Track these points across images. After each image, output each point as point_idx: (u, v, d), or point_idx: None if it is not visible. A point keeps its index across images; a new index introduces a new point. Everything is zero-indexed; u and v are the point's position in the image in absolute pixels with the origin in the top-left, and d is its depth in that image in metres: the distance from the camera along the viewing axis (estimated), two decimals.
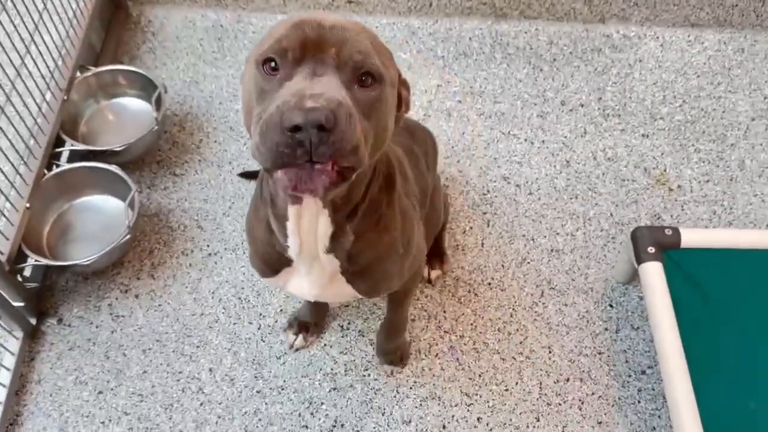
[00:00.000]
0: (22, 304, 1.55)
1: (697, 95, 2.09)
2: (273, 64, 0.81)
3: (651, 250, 1.54)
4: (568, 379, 1.59)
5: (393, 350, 1.55)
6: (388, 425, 1.51)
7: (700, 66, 2.15)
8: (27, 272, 1.59)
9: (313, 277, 1.08)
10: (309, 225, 0.98)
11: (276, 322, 1.64)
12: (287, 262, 1.08)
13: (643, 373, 1.60)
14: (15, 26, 1.61)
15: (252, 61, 0.85)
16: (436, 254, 1.70)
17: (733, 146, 1.98)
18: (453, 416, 1.53)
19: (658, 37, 2.21)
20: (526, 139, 1.98)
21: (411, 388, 1.57)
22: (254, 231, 1.12)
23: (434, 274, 1.70)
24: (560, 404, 1.55)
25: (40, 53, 1.70)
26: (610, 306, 1.69)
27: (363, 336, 1.63)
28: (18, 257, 1.55)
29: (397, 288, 1.23)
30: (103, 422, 1.51)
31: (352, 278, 1.10)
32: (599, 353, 1.62)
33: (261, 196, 1.05)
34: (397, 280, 1.19)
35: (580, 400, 1.56)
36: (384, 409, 1.53)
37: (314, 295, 1.14)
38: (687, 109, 2.06)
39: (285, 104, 0.74)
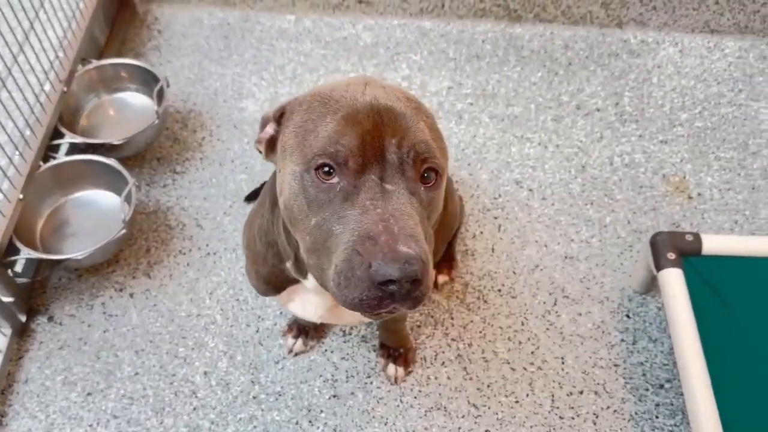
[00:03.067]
0: (11, 299, 1.49)
1: (717, 102, 2.01)
2: (327, 169, 0.76)
3: (671, 256, 1.46)
4: (581, 392, 1.50)
5: (396, 344, 1.48)
6: None
7: (720, 73, 2.08)
8: (18, 267, 1.53)
9: (322, 298, 1.02)
10: None
11: (275, 325, 1.57)
12: (294, 281, 1.02)
13: (661, 387, 1.51)
14: (15, 13, 1.56)
15: (298, 161, 0.78)
16: (446, 259, 1.63)
17: (755, 154, 1.90)
18: (459, 428, 1.44)
19: (677, 43, 2.15)
20: (539, 143, 1.91)
21: (416, 397, 1.48)
22: (258, 254, 1.05)
23: (441, 279, 1.63)
24: (573, 418, 1.46)
25: (41, 43, 1.65)
26: (627, 316, 1.61)
27: (366, 342, 1.55)
28: (9, 250, 1.48)
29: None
30: (90, 425, 1.44)
31: None
32: (615, 365, 1.54)
33: (278, 236, 0.98)
34: None
35: (594, 414, 1.47)
36: (386, 419, 1.45)
37: (319, 316, 1.09)
38: (707, 116, 1.98)
39: (371, 252, 0.69)
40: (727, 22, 2.16)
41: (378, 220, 0.71)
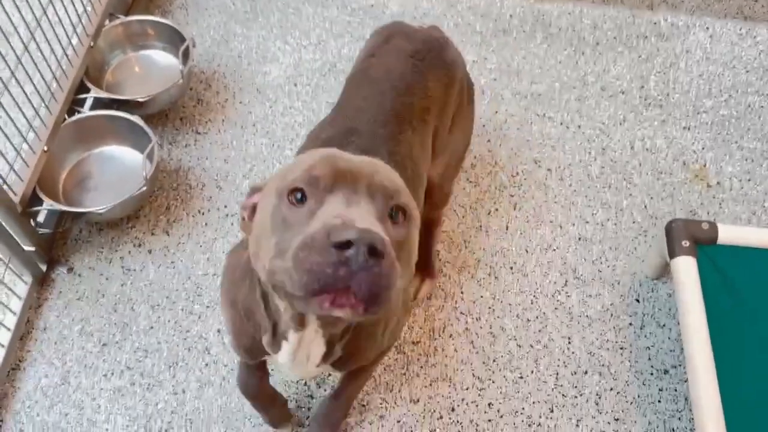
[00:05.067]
0: (33, 249, 1.52)
1: (744, 90, 1.99)
2: (299, 195, 0.76)
3: (685, 243, 1.46)
4: (586, 372, 1.52)
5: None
6: (395, 402, 1.46)
7: (750, 61, 2.05)
8: (40, 217, 1.56)
9: (295, 364, 1.02)
10: (304, 347, 0.96)
11: None
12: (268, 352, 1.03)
13: (666, 372, 1.52)
14: None
15: (273, 190, 0.79)
16: (423, 265, 1.50)
17: None
18: (463, 399, 1.47)
19: (707, 28, 2.11)
20: (561, 123, 1.90)
21: (422, 367, 1.51)
22: (235, 321, 1.06)
23: (423, 291, 1.57)
24: (576, 397, 1.49)
25: None
26: (637, 301, 1.62)
27: None
28: (32, 201, 1.52)
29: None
30: (105, 375, 1.48)
31: (335, 364, 1.06)
32: (621, 348, 1.55)
33: (257, 307, 0.98)
34: (374, 355, 1.15)
35: (597, 395, 1.49)
36: (392, 385, 1.48)
37: (294, 374, 1.20)
38: (733, 104, 1.96)
39: (331, 225, 0.69)
40: (761, 9, 2.12)
41: (344, 213, 0.71)
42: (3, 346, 1.45)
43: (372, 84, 1.23)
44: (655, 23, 2.12)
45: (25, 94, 1.50)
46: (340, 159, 0.79)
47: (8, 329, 1.48)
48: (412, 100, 1.22)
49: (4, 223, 1.42)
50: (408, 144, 1.19)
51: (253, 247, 0.81)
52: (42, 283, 1.58)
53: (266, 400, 1.35)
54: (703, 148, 1.87)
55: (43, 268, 1.58)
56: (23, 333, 1.52)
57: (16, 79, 1.46)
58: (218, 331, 1.54)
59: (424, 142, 1.25)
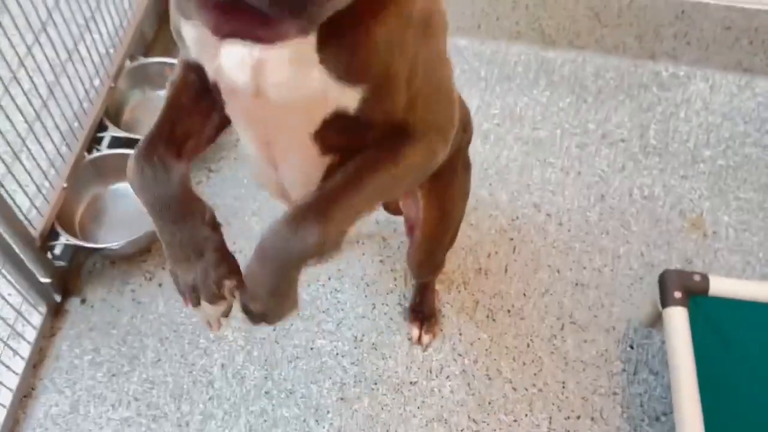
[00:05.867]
0: (49, 280, 1.59)
1: (742, 141, 2.04)
2: None
3: (677, 294, 1.51)
4: (579, 417, 1.56)
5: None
6: None
7: (748, 112, 2.11)
8: (57, 250, 1.63)
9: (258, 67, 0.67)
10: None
11: (291, 325, 1.65)
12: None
13: (657, 419, 1.56)
14: (72, 12, 1.66)
15: None
16: (426, 312, 1.62)
17: None
18: None
19: (707, 79, 2.17)
20: (561, 169, 1.96)
21: (419, 407, 1.55)
22: None
23: (426, 338, 1.62)
24: None
25: (93, 39, 1.75)
26: (631, 347, 1.66)
27: (376, 350, 1.62)
28: (50, 235, 1.59)
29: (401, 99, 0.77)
30: (113, 405, 1.53)
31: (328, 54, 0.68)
32: (614, 394, 1.59)
33: None
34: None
35: None
36: (389, 425, 1.53)
37: (247, 79, 0.70)
38: (730, 155, 2.01)
39: None
40: (760, 63, 2.18)
41: None
42: (17, 374, 1.51)
43: None
44: (656, 73, 2.18)
45: (47, 131, 1.58)
46: None
47: (22, 358, 1.54)
48: None
49: (23, 256, 1.48)
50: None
51: None
52: (56, 313, 1.65)
53: (181, 206, 0.87)
54: (700, 197, 1.92)
55: (58, 299, 1.65)
56: (36, 361, 1.58)
57: (39, 118, 1.54)
58: (222, 365, 1.59)
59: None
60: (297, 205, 0.81)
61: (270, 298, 0.89)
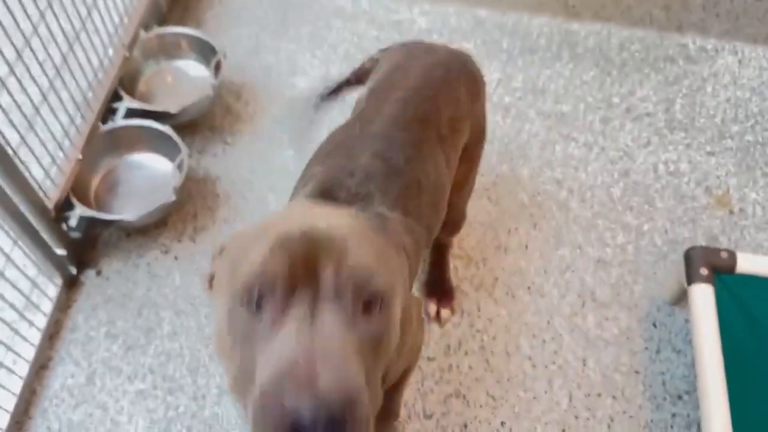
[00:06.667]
0: (64, 252, 1.58)
1: None
2: (255, 302, 0.68)
3: (703, 271, 1.47)
4: (599, 394, 1.53)
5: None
6: (408, 417, 1.49)
7: None
8: (72, 222, 1.62)
9: None
10: None
11: None
12: None
13: (680, 398, 1.53)
14: None
15: (226, 294, 0.72)
16: (440, 290, 1.60)
17: None
18: (476, 417, 1.49)
19: (736, 52, 2.11)
20: (584, 144, 1.91)
21: (437, 383, 1.53)
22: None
23: (445, 314, 1.60)
24: (588, 419, 1.50)
25: (107, 8, 1.72)
26: (654, 325, 1.63)
27: None
28: (64, 206, 1.57)
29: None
30: (128, 377, 1.53)
31: None
32: (636, 372, 1.56)
33: None
34: None
35: (610, 417, 1.50)
36: (407, 401, 1.51)
37: None
38: (759, 130, 1.95)
39: (285, 390, 0.61)
40: None
41: (301, 352, 0.63)
42: (33, 345, 1.51)
43: (395, 90, 1.17)
44: (683, 45, 2.12)
45: (61, 102, 1.56)
46: (298, 244, 0.69)
47: (38, 329, 1.53)
48: (438, 106, 1.15)
49: (37, 227, 1.47)
50: (431, 151, 1.12)
51: (215, 338, 0.75)
52: (71, 285, 1.64)
53: None
54: (726, 174, 1.87)
55: (73, 271, 1.64)
56: (52, 333, 1.58)
57: (53, 88, 1.51)
58: None
59: (451, 154, 1.19)
60: None
61: None
